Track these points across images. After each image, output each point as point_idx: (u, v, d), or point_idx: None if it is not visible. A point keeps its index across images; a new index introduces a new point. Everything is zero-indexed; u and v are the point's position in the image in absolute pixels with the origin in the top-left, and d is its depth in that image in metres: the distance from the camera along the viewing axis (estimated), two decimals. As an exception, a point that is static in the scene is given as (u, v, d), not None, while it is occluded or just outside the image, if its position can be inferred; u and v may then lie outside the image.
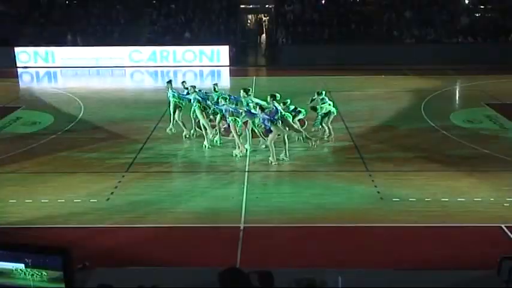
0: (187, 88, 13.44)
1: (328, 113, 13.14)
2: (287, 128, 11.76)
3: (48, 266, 4.29)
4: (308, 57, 24.78)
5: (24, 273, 4.37)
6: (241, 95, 12.75)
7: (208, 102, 12.82)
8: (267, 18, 31.51)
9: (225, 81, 22.96)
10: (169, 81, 13.92)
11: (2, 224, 9.20)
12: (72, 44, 25.53)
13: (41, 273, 4.33)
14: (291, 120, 11.91)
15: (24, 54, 24.87)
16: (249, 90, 13.20)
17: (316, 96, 13.56)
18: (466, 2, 28.41)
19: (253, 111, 11.84)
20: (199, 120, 13.05)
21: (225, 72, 24.24)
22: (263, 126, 11.58)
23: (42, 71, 24.59)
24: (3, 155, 12.64)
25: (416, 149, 12.99)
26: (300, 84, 21.42)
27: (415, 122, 15.28)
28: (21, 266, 4.35)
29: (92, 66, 24.75)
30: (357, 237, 8.83)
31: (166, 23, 26.74)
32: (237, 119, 12.02)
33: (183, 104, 13.43)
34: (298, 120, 12.88)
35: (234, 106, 12.34)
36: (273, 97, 11.88)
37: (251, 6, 30.62)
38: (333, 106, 13.32)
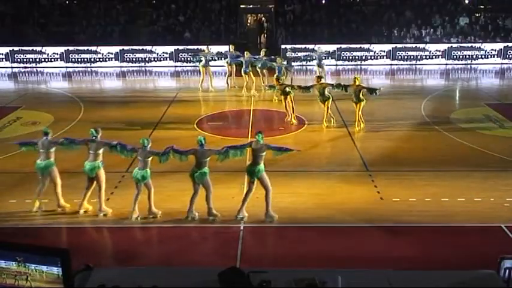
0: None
1: None
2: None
3: (47, 266, 4.28)
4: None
5: (24, 274, 4.37)
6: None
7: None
8: (267, 17, 31.49)
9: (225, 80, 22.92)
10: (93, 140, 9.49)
11: (2, 224, 9.22)
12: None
13: (40, 274, 4.32)
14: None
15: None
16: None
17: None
18: (466, 2, 28.43)
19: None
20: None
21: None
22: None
23: (42, 71, 24.65)
24: (3, 155, 12.64)
25: (416, 149, 13.00)
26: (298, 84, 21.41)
27: (415, 122, 15.28)
28: (21, 266, 4.35)
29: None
30: (357, 237, 8.83)
31: (166, 23, 26.74)
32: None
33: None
34: None
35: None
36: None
37: (251, 6, 30.61)
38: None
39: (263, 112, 16.76)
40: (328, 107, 14.51)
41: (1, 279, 4.41)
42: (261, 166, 9.17)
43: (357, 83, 14.10)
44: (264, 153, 9.18)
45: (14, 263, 4.32)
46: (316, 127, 14.85)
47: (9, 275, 4.38)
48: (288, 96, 14.87)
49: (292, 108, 15.04)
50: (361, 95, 14.08)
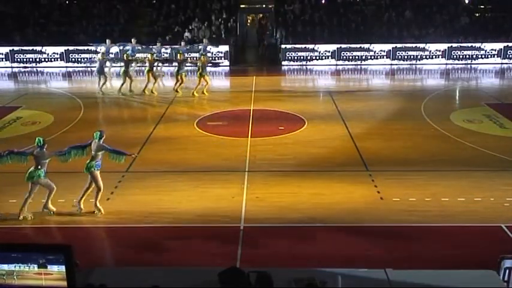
0: None
1: None
2: None
3: (50, 264, 4.29)
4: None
5: (27, 273, 4.37)
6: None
7: None
8: (267, 17, 31.50)
9: (225, 80, 23.00)
10: None
11: (2, 224, 9.22)
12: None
13: (44, 272, 4.33)
14: None
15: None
16: None
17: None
18: (466, 2, 28.43)
19: None
20: None
21: (225, 71, 24.25)
22: None
23: (42, 71, 24.65)
24: (3, 155, 12.61)
25: (416, 149, 12.99)
26: (298, 83, 21.48)
27: (415, 122, 15.27)
28: (24, 265, 4.36)
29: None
30: (357, 237, 8.82)
31: (166, 23, 26.72)
32: None
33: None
34: None
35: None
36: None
37: (251, 6, 30.62)
38: None
39: (263, 112, 16.77)
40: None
41: (5, 280, 4.41)
42: (93, 163, 9.39)
43: (202, 60, 18.38)
44: (100, 152, 9.44)
45: (17, 262, 4.33)
46: (316, 127, 14.85)
47: (13, 274, 4.38)
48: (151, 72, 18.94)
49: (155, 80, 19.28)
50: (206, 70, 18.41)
